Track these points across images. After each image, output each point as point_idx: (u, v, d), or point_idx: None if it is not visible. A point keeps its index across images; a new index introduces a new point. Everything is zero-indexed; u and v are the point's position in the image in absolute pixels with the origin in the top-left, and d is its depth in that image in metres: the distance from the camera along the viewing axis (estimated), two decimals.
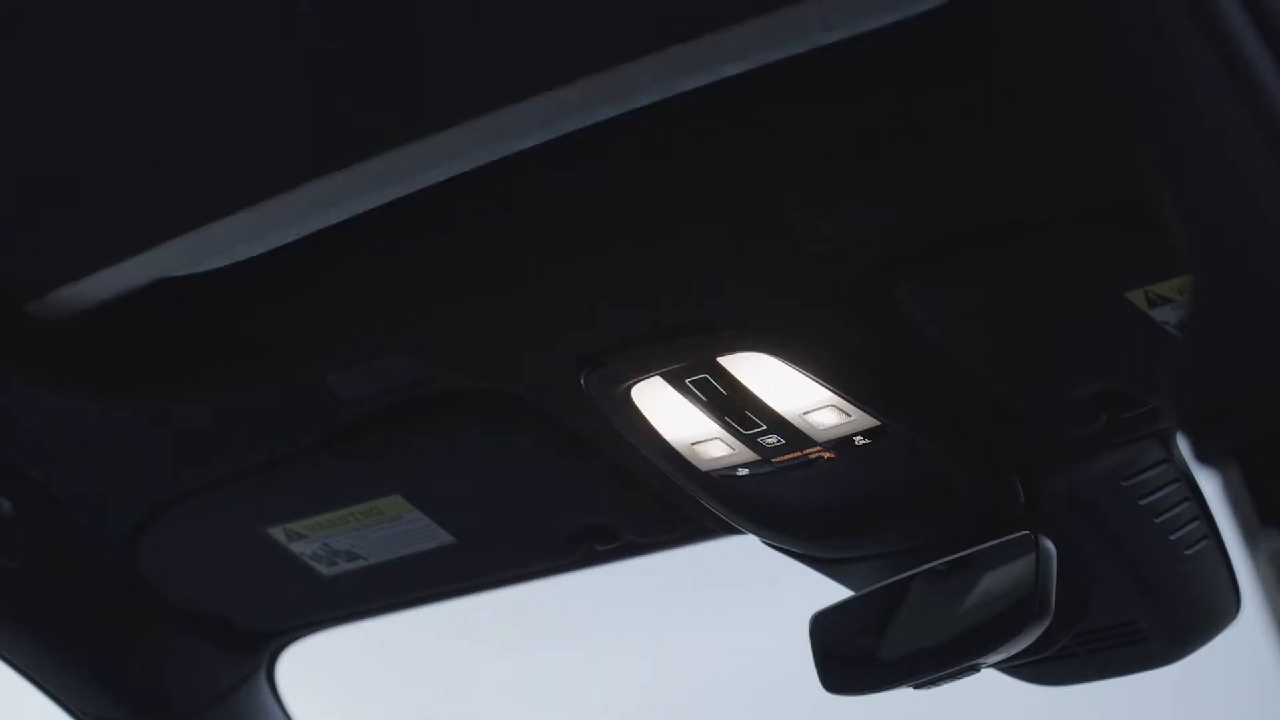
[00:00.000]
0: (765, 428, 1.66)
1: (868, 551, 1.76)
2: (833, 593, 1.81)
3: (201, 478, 1.92)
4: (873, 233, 1.50)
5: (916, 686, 1.72)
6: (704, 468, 1.71)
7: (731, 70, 1.53)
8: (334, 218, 1.54)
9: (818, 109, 1.45)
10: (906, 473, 1.67)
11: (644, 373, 1.65)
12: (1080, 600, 1.72)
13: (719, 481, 1.72)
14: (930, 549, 1.72)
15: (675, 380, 1.65)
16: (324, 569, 1.98)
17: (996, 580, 1.67)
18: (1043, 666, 1.81)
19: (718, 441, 1.68)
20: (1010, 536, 1.67)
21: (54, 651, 2.05)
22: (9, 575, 1.96)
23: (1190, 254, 0.95)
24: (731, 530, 1.82)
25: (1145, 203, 0.99)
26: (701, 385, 1.64)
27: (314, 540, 1.95)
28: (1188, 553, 1.73)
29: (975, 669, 1.70)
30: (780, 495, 1.72)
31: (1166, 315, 1.47)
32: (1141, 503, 1.69)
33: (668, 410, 1.67)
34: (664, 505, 1.83)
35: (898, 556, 1.75)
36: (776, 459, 1.68)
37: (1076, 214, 1.45)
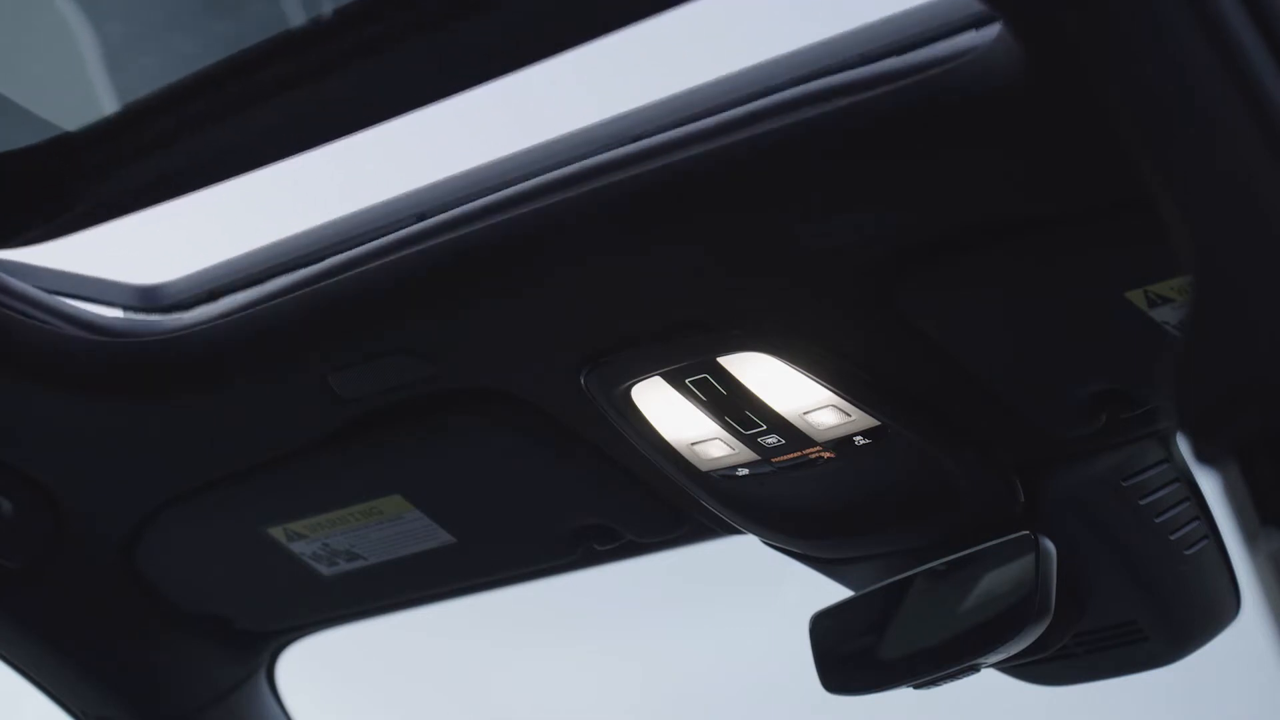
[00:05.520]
0: (765, 428, 1.66)
1: (868, 551, 1.77)
2: (833, 593, 1.81)
3: (201, 478, 1.92)
4: (873, 233, 1.50)
5: (916, 686, 1.72)
6: (704, 468, 1.71)
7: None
8: None
9: (818, 108, 1.45)
10: (906, 473, 1.67)
11: (644, 373, 1.65)
12: (1080, 600, 1.72)
13: (719, 481, 1.72)
14: (930, 549, 1.72)
15: (675, 380, 1.65)
16: (324, 569, 1.98)
17: (996, 580, 1.67)
18: (1043, 666, 1.81)
19: (718, 441, 1.69)
20: (1010, 536, 1.67)
21: (54, 651, 2.05)
22: (9, 575, 1.96)
23: (1190, 254, 0.96)
24: (731, 530, 1.82)
25: (1145, 203, 0.99)
26: (701, 385, 1.64)
27: (314, 540, 1.95)
28: (1188, 553, 1.73)
29: (975, 669, 1.70)
30: (780, 495, 1.72)
31: (1166, 315, 1.47)
32: (1141, 503, 1.69)
33: (668, 410, 1.67)
34: (664, 505, 1.83)
35: (898, 556, 1.75)
36: (776, 459, 1.68)
37: (1076, 214, 1.45)
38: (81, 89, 1.47)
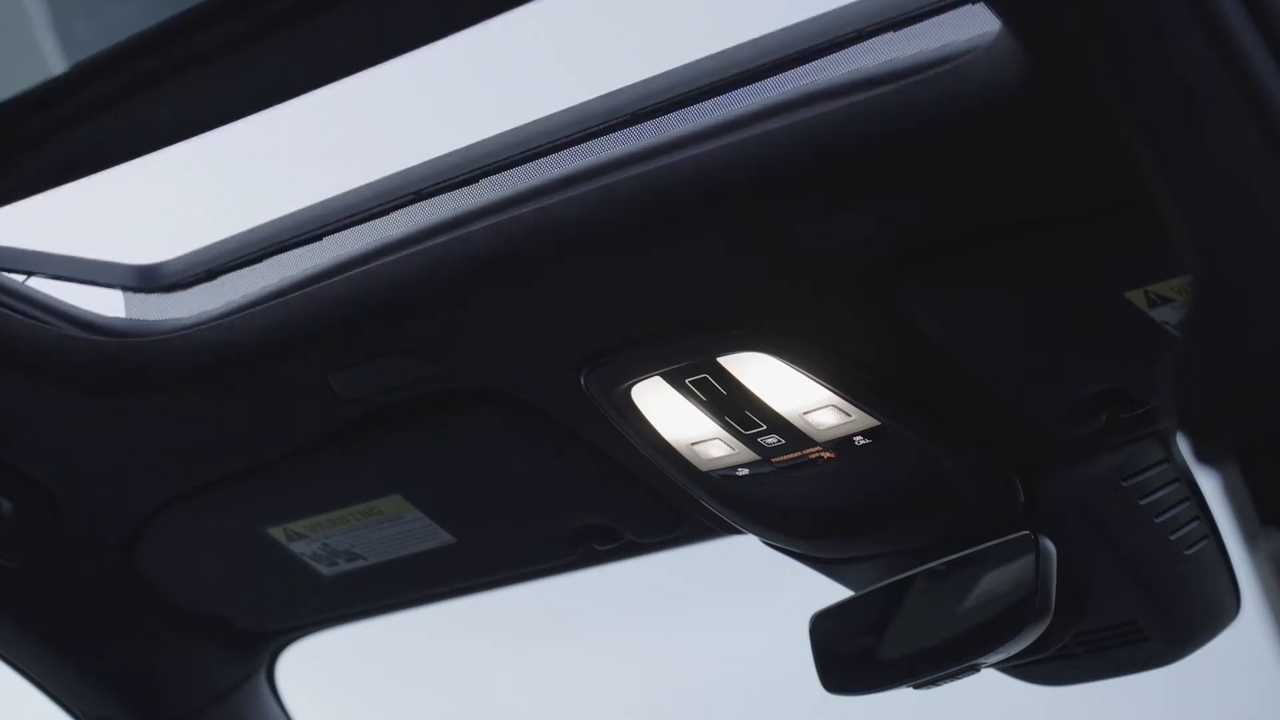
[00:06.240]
0: (765, 428, 1.66)
1: (868, 551, 1.77)
2: (833, 593, 1.81)
3: (201, 478, 1.92)
4: (873, 233, 1.50)
5: (916, 686, 1.72)
6: (704, 468, 1.71)
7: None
8: None
9: (818, 108, 1.45)
10: (906, 473, 1.67)
11: (644, 373, 1.65)
12: (1080, 600, 1.72)
13: (719, 481, 1.72)
14: (930, 549, 1.72)
15: (675, 380, 1.65)
16: (324, 569, 1.98)
17: (996, 580, 1.67)
18: (1043, 666, 1.81)
19: (718, 441, 1.69)
20: (1010, 536, 1.67)
21: (54, 651, 2.05)
22: (9, 575, 1.96)
23: (1190, 254, 0.96)
24: (731, 530, 1.82)
25: (1145, 203, 0.99)
26: (701, 385, 1.64)
27: (314, 540, 1.95)
28: (1188, 553, 1.73)
29: (975, 669, 1.70)
30: (780, 495, 1.72)
31: (1166, 315, 1.47)
32: (1141, 503, 1.69)
33: (668, 410, 1.67)
34: (664, 505, 1.83)
35: (898, 556, 1.75)
36: (776, 459, 1.68)
37: (1076, 214, 1.45)
38: (11, 57, 1.45)
